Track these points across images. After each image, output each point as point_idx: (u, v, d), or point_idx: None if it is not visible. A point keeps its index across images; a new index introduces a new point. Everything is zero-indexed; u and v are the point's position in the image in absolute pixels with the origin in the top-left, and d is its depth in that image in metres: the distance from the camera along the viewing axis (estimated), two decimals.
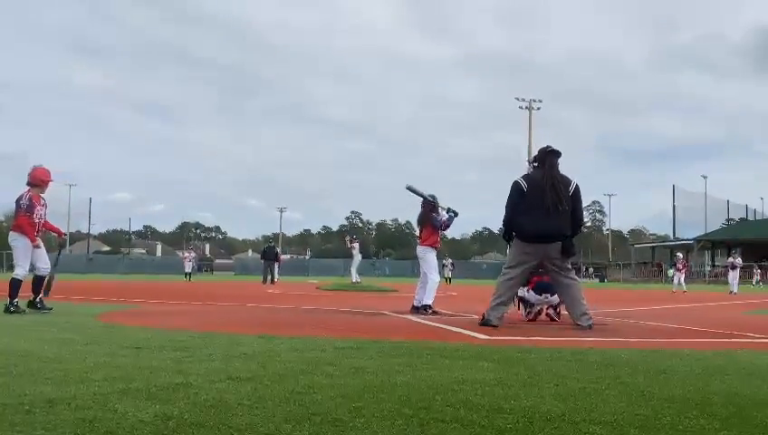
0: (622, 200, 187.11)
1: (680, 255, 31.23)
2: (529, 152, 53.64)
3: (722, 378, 3.69)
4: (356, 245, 24.41)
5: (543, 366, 4.01)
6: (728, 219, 67.41)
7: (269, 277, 26.04)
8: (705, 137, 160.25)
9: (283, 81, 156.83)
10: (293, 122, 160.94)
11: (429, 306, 8.85)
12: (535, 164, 7.13)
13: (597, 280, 60.29)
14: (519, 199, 6.84)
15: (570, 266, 7.15)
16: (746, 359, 4.69)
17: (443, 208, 9.23)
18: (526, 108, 54.67)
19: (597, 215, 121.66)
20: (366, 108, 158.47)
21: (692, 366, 4.15)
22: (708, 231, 62.56)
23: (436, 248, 9.28)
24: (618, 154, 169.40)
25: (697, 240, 60.61)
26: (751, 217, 67.67)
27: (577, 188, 6.89)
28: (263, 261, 27.58)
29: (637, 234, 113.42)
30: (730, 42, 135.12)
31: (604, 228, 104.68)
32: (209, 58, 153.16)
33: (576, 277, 7.15)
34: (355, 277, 23.21)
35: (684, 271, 26.12)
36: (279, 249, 31.01)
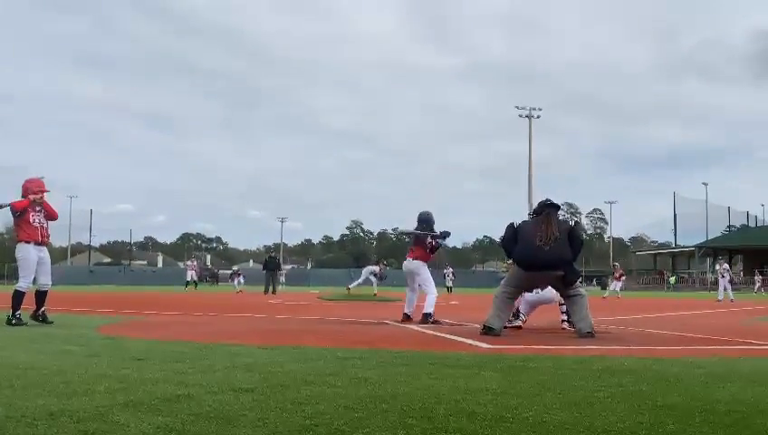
0: (623, 208, 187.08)
1: (617, 264, 33.70)
2: (529, 160, 53.81)
3: (725, 385, 3.68)
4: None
5: (546, 375, 4.01)
6: (729, 226, 67.37)
7: (270, 288, 26.08)
8: (706, 144, 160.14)
9: (283, 91, 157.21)
10: (294, 132, 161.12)
11: (431, 315, 8.89)
12: (533, 215, 7.52)
13: (599, 288, 60.15)
14: (513, 233, 7.27)
15: (575, 287, 7.31)
16: (749, 366, 4.69)
17: (436, 233, 9.42)
18: (526, 116, 54.82)
19: (598, 222, 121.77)
20: (366, 117, 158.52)
21: (695, 374, 4.15)
22: (709, 238, 62.53)
23: (427, 262, 9.44)
24: (619, 161, 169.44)
25: (699, 247, 60.59)
26: (752, 224, 67.63)
27: (576, 226, 7.48)
28: (264, 271, 27.62)
29: (638, 241, 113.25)
30: (731, 48, 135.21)
31: (605, 236, 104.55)
32: (210, 69, 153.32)
33: (581, 291, 7.30)
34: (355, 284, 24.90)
35: (621, 280, 28.29)
36: (280, 259, 31.40)
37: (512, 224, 7.48)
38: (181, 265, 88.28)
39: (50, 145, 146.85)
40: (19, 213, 8.17)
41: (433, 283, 9.28)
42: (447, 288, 34.64)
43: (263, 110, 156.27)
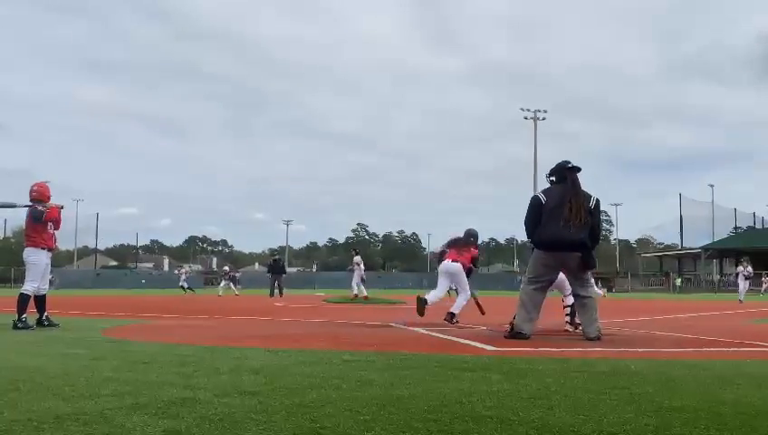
0: (629, 210, 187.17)
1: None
2: (535, 163, 53.72)
3: (731, 387, 3.66)
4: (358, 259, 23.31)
5: (552, 377, 3.99)
6: (735, 228, 67.14)
7: (276, 291, 26.13)
8: (712, 146, 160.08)
9: (289, 95, 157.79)
10: (300, 136, 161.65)
11: (455, 315, 8.98)
12: (552, 178, 7.11)
13: (605, 290, 60.02)
14: (539, 211, 6.85)
15: (589, 280, 7.14)
16: (756, 368, 4.67)
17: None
18: (531, 118, 54.76)
19: (604, 225, 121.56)
20: (372, 121, 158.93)
21: (701, 376, 4.13)
22: (716, 240, 62.33)
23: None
24: (625, 164, 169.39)
25: (705, 249, 60.39)
26: (758, 226, 67.35)
27: (597, 202, 6.96)
28: (269, 275, 27.66)
29: (644, 243, 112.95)
30: (735, 50, 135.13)
31: (611, 238, 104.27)
32: (215, 73, 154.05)
33: (592, 293, 7.12)
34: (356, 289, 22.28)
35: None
36: (285, 262, 31.13)
37: (537, 198, 6.94)
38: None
39: (55, 149, 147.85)
40: (44, 217, 8.23)
41: (468, 287, 9.40)
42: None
43: (267, 113, 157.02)
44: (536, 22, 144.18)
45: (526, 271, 7.34)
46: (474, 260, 9.61)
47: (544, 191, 7.02)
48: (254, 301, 21.29)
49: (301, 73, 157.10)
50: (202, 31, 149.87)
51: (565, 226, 6.67)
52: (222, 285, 31.70)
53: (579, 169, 7.01)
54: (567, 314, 8.17)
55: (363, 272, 22.62)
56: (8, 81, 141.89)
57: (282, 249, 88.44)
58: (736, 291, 24.99)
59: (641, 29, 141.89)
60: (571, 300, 8.15)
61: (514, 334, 6.66)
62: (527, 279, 7.09)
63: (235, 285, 32.01)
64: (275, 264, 28.23)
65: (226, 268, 37.50)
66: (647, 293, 49.87)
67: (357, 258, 22.78)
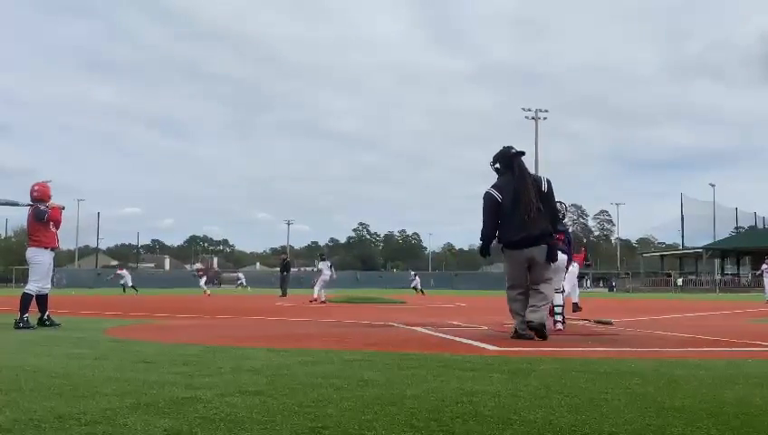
0: (631, 209, 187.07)
1: None
2: (536, 163, 53.73)
3: (733, 387, 3.66)
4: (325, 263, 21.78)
5: (553, 377, 4.00)
6: (737, 228, 67.12)
7: (287, 290, 26.32)
8: (713, 145, 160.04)
9: (291, 95, 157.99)
10: (301, 136, 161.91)
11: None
12: (497, 166, 6.93)
13: (606, 289, 60.05)
14: (496, 210, 6.71)
15: (551, 276, 6.90)
16: (757, 368, 4.66)
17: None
18: (532, 118, 54.77)
19: (605, 224, 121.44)
20: (373, 120, 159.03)
21: (702, 376, 4.13)
22: (717, 240, 62.31)
23: None
24: (626, 163, 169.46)
25: (706, 249, 60.37)
26: (760, 226, 67.31)
27: (549, 183, 6.77)
28: (283, 274, 27.80)
29: (645, 243, 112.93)
30: (739, 50, 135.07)
31: (612, 238, 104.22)
32: (217, 73, 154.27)
33: (546, 290, 6.78)
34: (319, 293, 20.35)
35: None
36: (289, 262, 30.87)
37: (491, 196, 6.72)
38: (188, 267, 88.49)
39: (57, 149, 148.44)
40: (47, 217, 8.25)
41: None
42: (416, 290, 37.72)
43: (270, 113, 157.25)
44: (539, 22, 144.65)
45: (506, 277, 7.08)
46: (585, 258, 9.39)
47: (495, 186, 6.83)
48: (255, 300, 21.28)
49: (303, 73, 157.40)
50: (203, 31, 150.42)
51: (527, 219, 6.52)
52: (203, 282, 31.52)
53: (523, 154, 6.89)
54: (557, 314, 8.14)
55: (328, 276, 20.90)
56: (10, 81, 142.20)
57: (283, 248, 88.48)
58: (738, 291, 24.91)
59: (644, 29, 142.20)
60: (559, 299, 8.15)
61: (519, 336, 6.64)
62: (509, 285, 6.94)
63: (207, 284, 31.66)
64: (286, 263, 28.62)
65: (199, 265, 36.94)
66: (648, 293, 49.83)
67: (321, 264, 21.54)
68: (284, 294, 25.77)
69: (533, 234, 6.58)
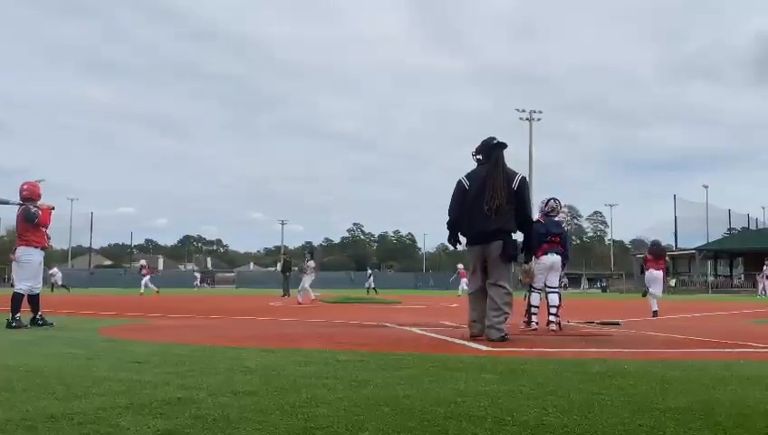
0: (624, 211, 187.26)
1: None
2: (530, 163, 53.80)
3: (725, 388, 3.68)
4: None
5: (546, 378, 4.00)
6: (730, 229, 67.30)
7: (288, 290, 26.27)
8: (707, 147, 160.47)
9: (287, 95, 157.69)
10: (297, 135, 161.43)
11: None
12: (479, 157, 6.82)
13: (599, 290, 60.18)
14: (462, 198, 6.62)
15: (504, 275, 6.60)
16: (749, 369, 4.68)
17: None
18: (526, 119, 54.84)
19: (599, 225, 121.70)
20: (369, 120, 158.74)
21: (695, 376, 4.14)
22: (710, 241, 62.48)
23: None
24: (619, 164, 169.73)
25: (699, 250, 60.53)
26: (753, 227, 67.54)
27: (522, 181, 6.62)
28: (285, 274, 27.77)
29: (639, 244, 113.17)
30: (734, 51, 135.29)
31: (606, 239, 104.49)
32: (214, 73, 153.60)
33: (501, 287, 6.52)
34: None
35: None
36: (287, 262, 30.16)
37: (461, 183, 6.64)
38: (182, 267, 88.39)
39: (51, 148, 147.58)
40: (37, 220, 8.22)
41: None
42: (369, 289, 37.87)
43: (266, 113, 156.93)
44: (536, 22, 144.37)
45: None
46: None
47: (469, 174, 6.75)
48: (248, 301, 21.25)
49: (300, 73, 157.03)
50: (201, 31, 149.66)
51: (487, 215, 6.40)
52: (144, 282, 28.29)
53: (505, 146, 6.77)
54: (551, 314, 8.17)
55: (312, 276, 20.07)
56: (8, 80, 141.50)
57: (277, 249, 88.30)
58: (730, 292, 25.01)
59: (641, 30, 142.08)
60: (555, 299, 8.20)
61: (474, 336, 6.58)
62: (468, 282, 6.88)
63: (148, 284, 28.48)
64: (286, 264, 28.76)
65: (143, 262, 33.10)
66: (640, 293, 49.92)
67: (310, 263, 20.61)
68: (286, 295, 25.69)
69: (489, 229, 6.45)
